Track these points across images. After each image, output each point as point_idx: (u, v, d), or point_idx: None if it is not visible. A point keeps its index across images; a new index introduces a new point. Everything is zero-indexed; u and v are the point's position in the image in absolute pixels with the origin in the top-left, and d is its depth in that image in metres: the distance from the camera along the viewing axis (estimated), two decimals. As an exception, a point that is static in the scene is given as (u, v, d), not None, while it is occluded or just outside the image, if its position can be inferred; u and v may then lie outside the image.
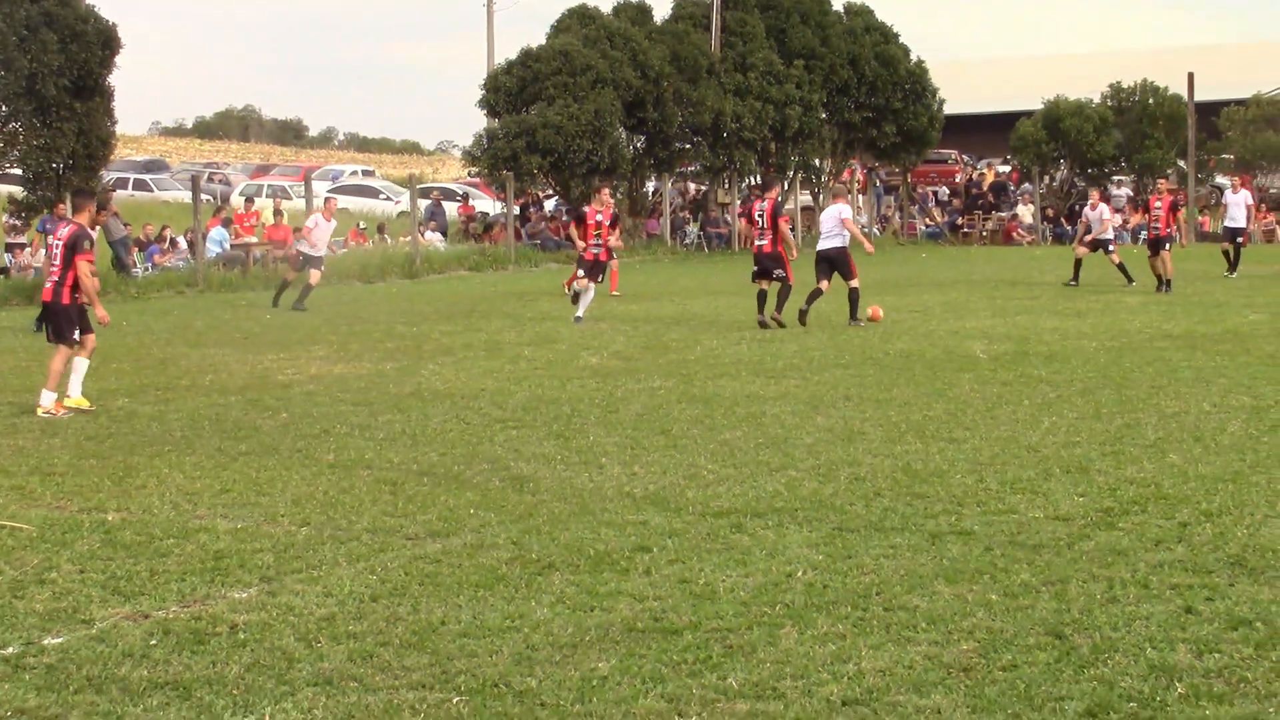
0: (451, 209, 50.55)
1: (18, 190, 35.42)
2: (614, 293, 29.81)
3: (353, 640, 7.22)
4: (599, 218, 24.81)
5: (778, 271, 23.09)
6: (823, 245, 23.50)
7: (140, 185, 59.45)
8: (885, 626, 7.33)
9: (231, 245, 38.03)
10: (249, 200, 43.41)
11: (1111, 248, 31.74)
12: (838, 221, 23.37)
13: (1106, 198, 42.36)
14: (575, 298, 24.74)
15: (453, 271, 39.49)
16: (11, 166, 33.34)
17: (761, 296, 23.10)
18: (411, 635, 7.29)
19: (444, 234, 45.70)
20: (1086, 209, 32.67)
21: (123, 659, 6.95)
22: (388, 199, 59.22)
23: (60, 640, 7.26)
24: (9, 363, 19.36)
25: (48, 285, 15.12)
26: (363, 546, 9.15)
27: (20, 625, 7.51)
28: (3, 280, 31.50)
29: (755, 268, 23.40)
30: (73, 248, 14.91)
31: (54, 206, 29.16)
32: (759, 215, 23.47)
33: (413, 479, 11.29)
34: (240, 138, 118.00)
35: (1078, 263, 31.50)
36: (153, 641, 7.21)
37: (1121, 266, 31.18)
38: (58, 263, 14.96)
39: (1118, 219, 33.43)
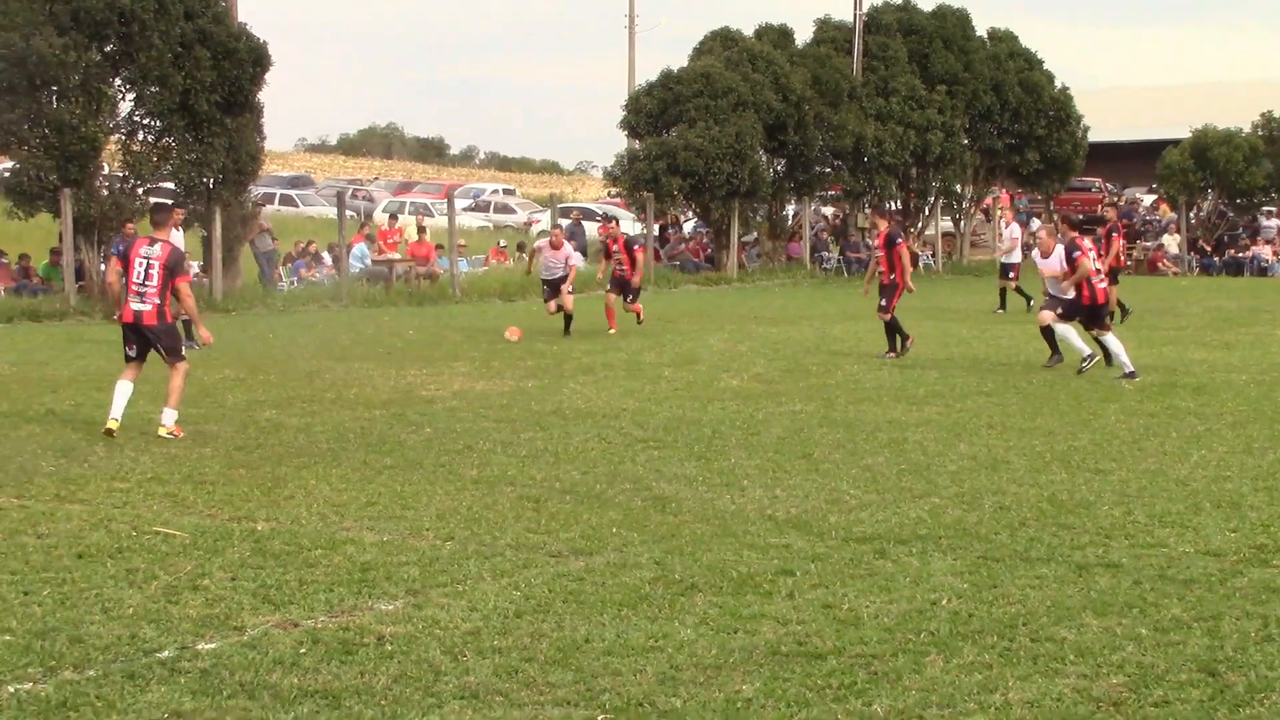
0: (591, 229, 50.88)
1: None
2: (610, 330, 26.65)
3: (498, 655, 7.28)
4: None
5: (881, 302, 22.28)
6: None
7: (286, 201, 60.63)
8: (1032, 658, 7.23)
9: (374, 261, 38.61)
10: (392, 217, 44.15)
11: (1012, 274, 32.00)
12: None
13: (1018, 217, 42.07)
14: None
15: (593, 291, 39.63)
16: (163, 181, 34.08)
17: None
18: (556, 652, 7.33)
19: (584, 253, 45.99)
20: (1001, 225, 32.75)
21: (274, 666, 7.07)
22: (528, 218, 59.80)
23: (213, 646, 7.40)
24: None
25: (147, 308, 14.31)
26: (506, 562, 9.23)
27: (175, 630, 7.67)
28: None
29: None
30: (172, 270, 14.32)
31: (122, 226, 29.48)
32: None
33: (555, 496, 11.37)
34: (383, 155, 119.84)
35: (1003, 292, 32.22)
36: (302, 650, 7.32)
37: (1019, 290, 31.85)
38: (155, 284, 14.25)
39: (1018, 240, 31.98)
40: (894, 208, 50.46)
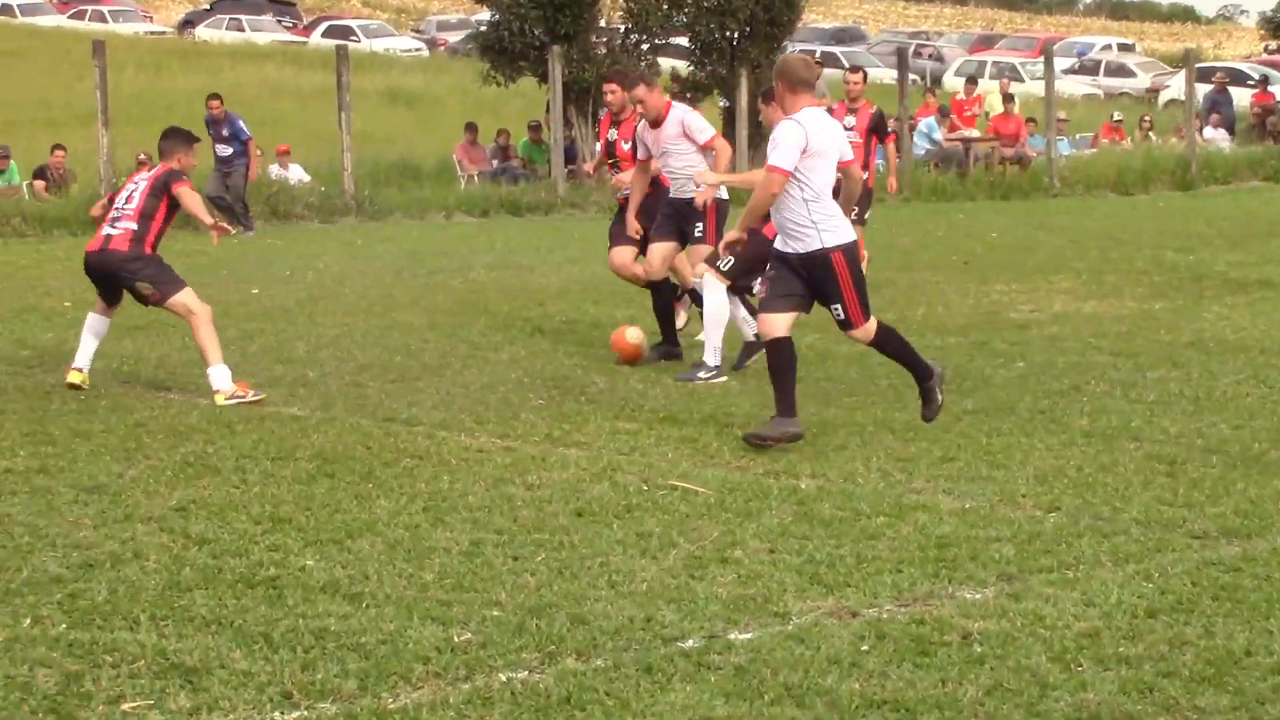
0: (1241, 98, 49.19)
1: (681, 65, 37.21)
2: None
3: (1125, 666, 7.17)
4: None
5: None
6: None
7: (829, 59, 61.28)
8: None
9: (945, 140, 38.63)
10: (969, 82, 43.86)
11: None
12: None
13: None
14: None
15: (1242, 182, 38.49)
16: (674, 35, 34.89)
17: None
18: (1205, 666, 7.16)
19: (1230, 131, 44.58)
20: None
21: (828, 666, 7.18)
22: (1152, 83, 58.45)
23: (749, 636, 7.57)
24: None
25: (116, 232, 13.79)
26: (1132, 543, 9.08)
27: (701, 613, 7.89)
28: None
29: None
30: (164, 186, 13.96)
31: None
32: None
33: (1197, 458, 11.11)
34: (956, 1, 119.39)
35: None
36: (864, 647, 7.40)
37: None
38: (133, 208, 13.84)
39: None
40: None
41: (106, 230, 13.82)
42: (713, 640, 7.52)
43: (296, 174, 34.08)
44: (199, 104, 31.19)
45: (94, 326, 14.05)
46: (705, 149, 14.92)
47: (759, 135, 35.83)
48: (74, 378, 13.78)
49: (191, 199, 13.95)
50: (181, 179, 13.88)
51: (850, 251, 11.50)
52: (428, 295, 19.79)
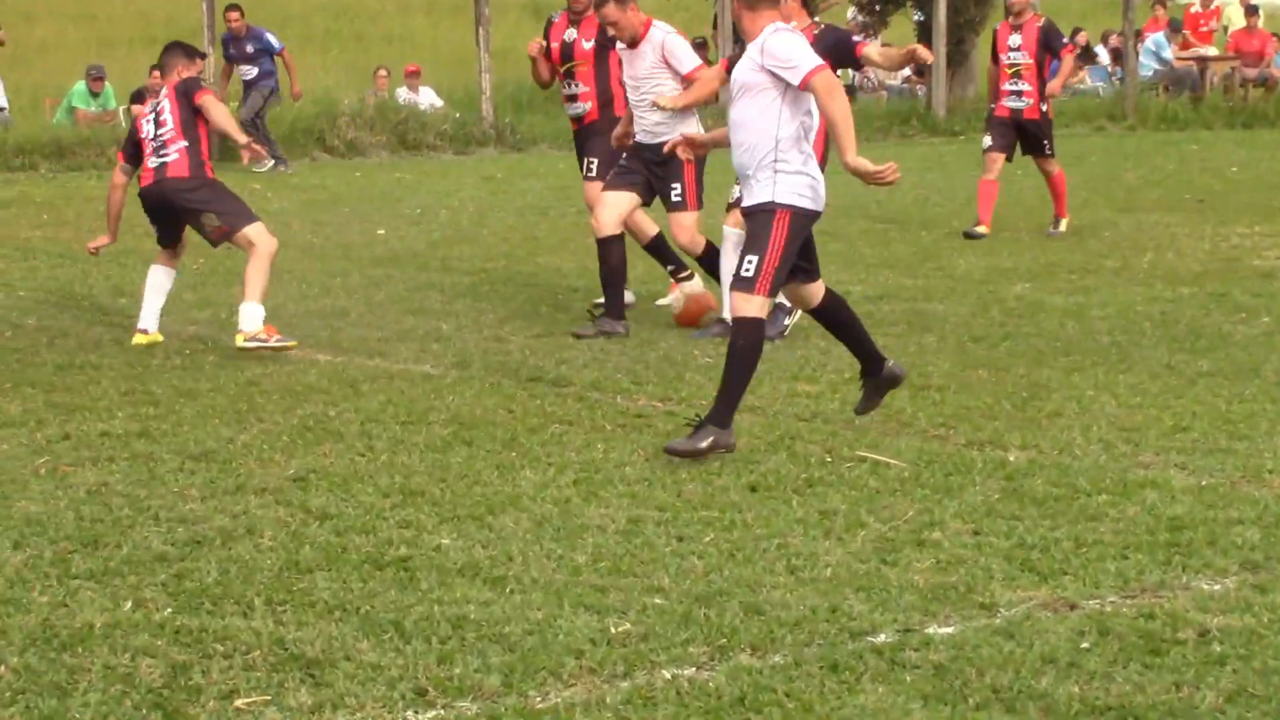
0: None
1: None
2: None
3: (1392, 671, 7.09)
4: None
5: None
6: None
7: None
8: None
9: (1177, 59, 38.19)
10: (1206, -9, 43.34)
11: None
12: None
13: None
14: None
15: None
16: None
17: None
18: None
19: None
20: None
21: (1041, 666, 7.12)
22: None
23: (950, 630, 7.53)
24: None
25: (171, 158, 13.94)
26: (1399, 528, 8.98)
27: (895, 603, 7.86)
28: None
29: None
30: (186, 93, 14.03)
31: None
32: None
33: None
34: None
35: None
36: (1084, 645, 7.34)
37: None
38: (171, 128, 13.97)
39: None
40: None
41: (154, 162, 13.92)
42: (908, 635, 7.48)
43: (428, 98, 34.26)
44: (320, 16, 31.45)
45: (157, 281, 14.19)
46: (687, 82, 14.24)
47: (959, 54, 35.74)
48: (140, 340, 13.94)
49: (218, 110, 13.99)
50: (202, 86, 13.96)
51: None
52: (576, 237, 19.84)
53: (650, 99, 14.12)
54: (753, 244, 10.51)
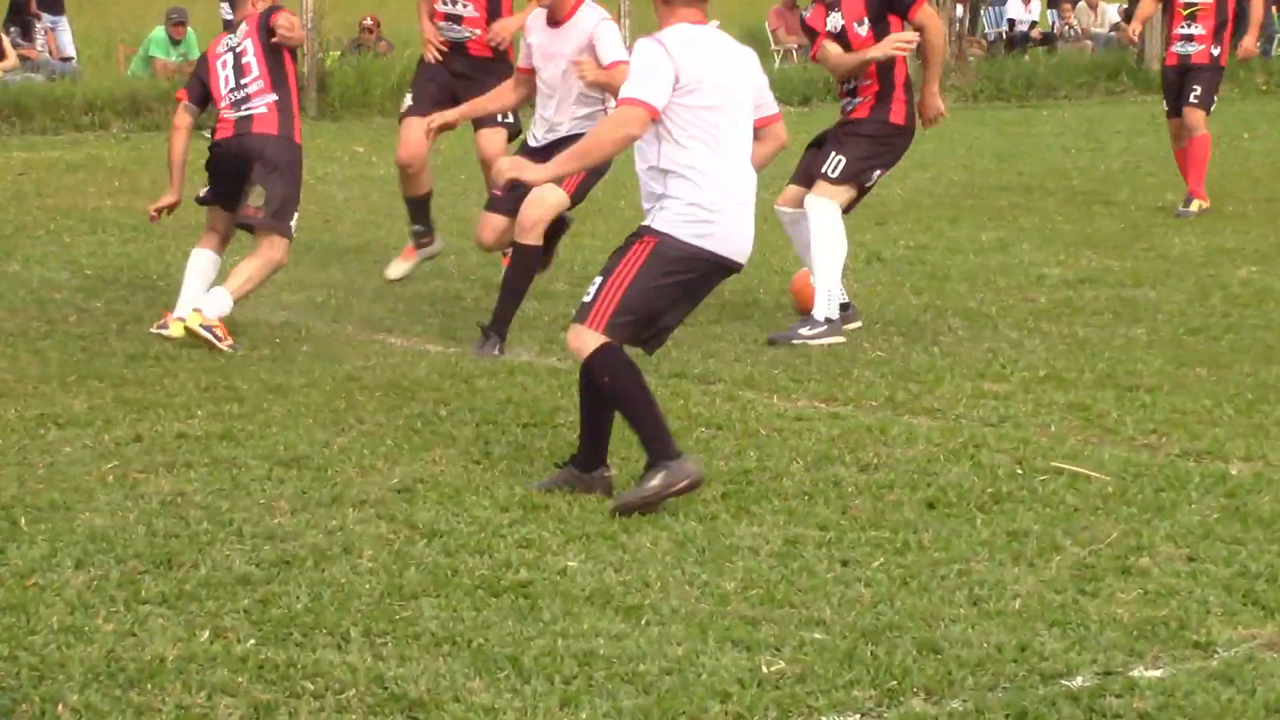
0: None
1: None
2: None
3: None
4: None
5: None
6: None
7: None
8: None
9: None
10: None
11: None
12: None
13: None
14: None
15: None
16: None
17: None
18: None
19: None
20: None
21: (1266, 715, 7.03)
22: None
23: (1159, 673, 7.45)
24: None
25: (258, 110, 13.80)
26: None
27: (1094, 641, 7.76)
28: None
29: None
30: (269, 28, 13.74)
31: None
32: None
33: None
34: None
35: None
36: (1317, 692, 7.26)
37: None
38: (256, 75, 13.79)
39: None
40: None
41: (236, 115, 13.69)
42: (1109, 678, 7.40)
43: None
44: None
45: (201, 266, 13.93)
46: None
47: None
48: (175, 330, 13.50)
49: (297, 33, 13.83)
50: (279, 7, 13.77)
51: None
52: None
53: (582, 100, 13.56)
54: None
